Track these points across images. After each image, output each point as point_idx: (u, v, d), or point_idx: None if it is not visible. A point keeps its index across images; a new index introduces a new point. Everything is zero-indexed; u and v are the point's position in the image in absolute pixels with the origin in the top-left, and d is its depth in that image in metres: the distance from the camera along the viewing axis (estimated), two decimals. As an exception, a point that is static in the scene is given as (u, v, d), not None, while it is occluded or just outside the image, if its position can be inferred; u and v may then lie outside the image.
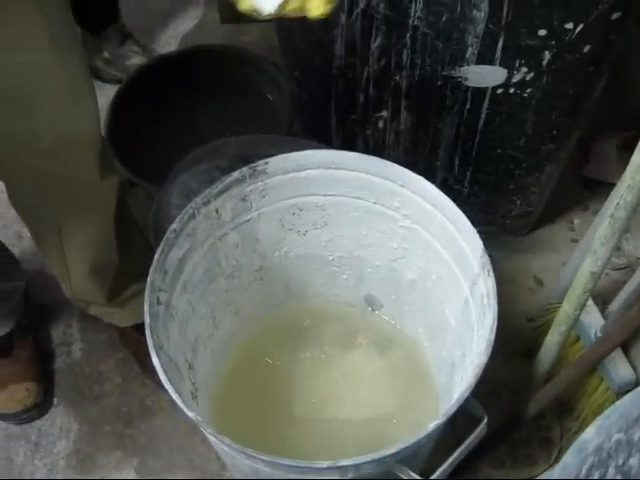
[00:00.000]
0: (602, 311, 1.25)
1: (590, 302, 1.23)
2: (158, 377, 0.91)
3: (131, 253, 1.27)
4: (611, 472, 0.53)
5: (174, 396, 0.88)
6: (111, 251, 1.22)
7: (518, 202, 1.46)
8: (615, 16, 1.04)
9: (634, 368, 1.21)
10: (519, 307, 1.51)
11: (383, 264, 1.22)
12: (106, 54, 1.87)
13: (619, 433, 0.57)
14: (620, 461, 0.52)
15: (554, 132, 1.26)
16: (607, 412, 0.64)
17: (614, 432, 0.59)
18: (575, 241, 1.57)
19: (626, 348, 1.24)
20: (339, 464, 0.84)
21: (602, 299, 1.30)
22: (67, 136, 1.01)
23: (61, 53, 0.95)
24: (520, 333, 1.44)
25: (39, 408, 1.42)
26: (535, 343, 1.26)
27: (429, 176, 1.05)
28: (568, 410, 1.34)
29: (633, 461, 0.50)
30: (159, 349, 0.93)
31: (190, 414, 0.87)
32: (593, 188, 1.64)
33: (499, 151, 1.31)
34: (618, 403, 0.65)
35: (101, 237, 1.19)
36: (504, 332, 1.29)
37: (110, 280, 1.28)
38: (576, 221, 1.63)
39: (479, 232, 0.99)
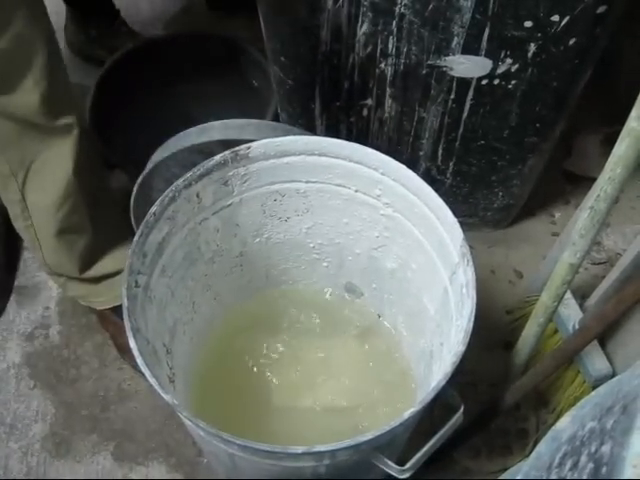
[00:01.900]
0: (581, 305, 1.26)
1: (569, 295, 1.24)
2: (136, 361, 0.90)
3: (104, 224, 1.28)
4: (583, 460, 0.53)
5: (150, 379, 0.88)
6: (78, 214, 1.22)
7: (500, 194, 1.46)
8: (600, 10, 1.04)
9: (610, 361, 1.22)
10: (498, 299, 1.51)
11: (364, 252, 1.22)
12: (93, 32, 1.85)
13: (593, 421, 0.57)
14: (593, 449, 0.52)
15: (538, 125, 1.27)
16: (582, 402, 0.64)
17: (588, 421, 0.59)
18: (556, 235, 1.58)
19: (603, 342, 1.25)
20: (314, 450, 0.84)
21: (581, 293, 1.31)
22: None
23: None
24: (499, 325, 1.44)
25: None
26: (514, 335, 1.27)
27: (412, 166, 1.04)
28: (544, 402, 1.35)
29: (605, 448, 0.50)
30: (136, 331, 0.92)
31: (166, 397, 0.86)
32: (575, 182, 1.65)
33: (482, 142, 1.31)
34: (593, 393, 0.65)
35: (62, 193, 1.18)
36: (483, 324, 1.29)
37: (81, 249, 1.27)
38: (557, 215, 1.63)
39: (460, 223, 0.99)
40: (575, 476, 0.54)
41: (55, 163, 1.15)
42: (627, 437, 0.47)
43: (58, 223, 1.21)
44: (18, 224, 1.25)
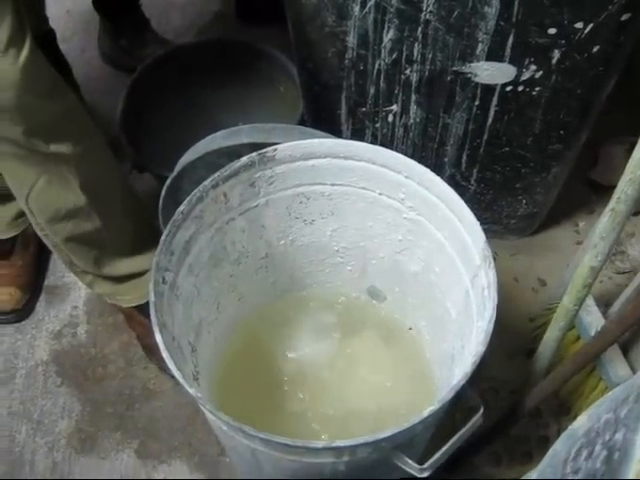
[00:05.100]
0: (604, 313, 1.26)
1: (592, 303, 1.24)
2: (162, 359, 0.91)
3: (126, 233, 1.32)
4: (597, 449, 0.54)
5: (176, 373, 0.89)
6: (92, 224, 1.24)
7: (524, 202, 1.47)
8: (625, 17, 1.05)
9: (632, 369, 1.21)
10: (522, 307, 1.51)
11: (387, 256, 1.23)
12: (123, 42, 1.89)
13: (608, 414, 0.58)
14: (607, 437, 0.53)
15: (562, 132, 1.27)
16: (599, 401, 0.65)
17: (603, 414, 0.60)
18: (579, 243, 1.58)
19: (625, 349, 1.25)
20: (334, 445, 0.85)
21: (605, 302, 1.31)
22: None
23: None
24: (522, 333, 1.44)
25: (17, 314, 1.53)
26: (536, 343, 1.27)
27: (436, 172, 1.06)
28: (566, 409, 1.35)
29: (618, 435, 0.51)
30: (163, 327, 0.94)
31: (190, 390, 0.88)
32: (600, 192, 1.65)
33: (506, 149, 1.32)
34: (610, 393, 0.66)
35: (68, 211, 1.21)
36: (506, 331, 1.30)
37: (100, 254, 1.31)
38: (581, 224, 1.63)
39: (484, 231, 0.99)
40: (589, 465, 0.55)
41: (59, 185, 1.17)
42: (639, 422, 0.48)
43: (70, 233, 1.25)
44: (37, 232, 1.29)
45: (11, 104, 1.01)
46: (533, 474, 0.70)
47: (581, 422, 0.64)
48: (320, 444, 0.85)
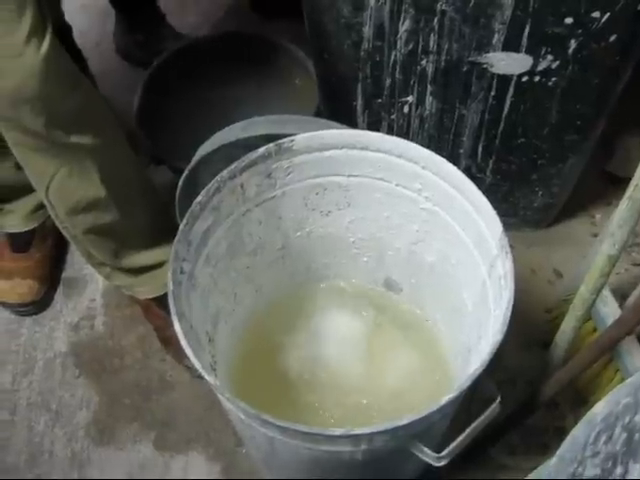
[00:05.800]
0: (621, 305, 1.25)
1: (608, 293, 1.24)
2: (179, 351, 0.92)
3: (143, 225, 1.33)
4: (617, 432, 0.55)
5: (194, 361, 0.89)
6: (111, 216, 1.25)
7: (540, 193, 1.47)
8: (642, 6, 1.05)
9: (650, 360, 1.21)
10: (538, 299, 1.51)
11: (404, 247, 1.24)
12: (139, 36, 1.90)
13: (627, 397, 0.58)
14: (626, 420, 0.54)
15: (578, 122, 1.27)
16: (617, 387, 0.66)
17: (623, 398, 0.60)
18: (596, 235, 1.58)
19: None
20: (352, 433, 0.86)
21: (621, 293, 1.30)
22: None
23: None
24: (538, 324, 1.44)
25: (35, 306, 1.55)
26: (552, 334, 1.27)
27: (452, 163, 1.06)
28: (583, 400, 1.35)
29: (638, 418, 0.51)
30: (181, 316, 0.94)
31: (208, 378, 0.88)
32: (616, 184, 1.64)
33: (522, 140, 1.32)
34: (629, 379, 0.66)
35: (88, 202, 1.21)
36: (523, 323, 1.29)
37: (118, 246, 1.32)
38: (598, 216, 1.63)
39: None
40: (609, 448, 0.55)
41: (78, 176, 1.18)
42: (659, 402, 0.48)
43: (89, 225, 1.26)
44: (56, 224, 1.30)
45: (34, 94, 1.03)
46: (552, 460, 0.70)
47: (600, 408, 0.64)
48: (338, 431, 0.86)
